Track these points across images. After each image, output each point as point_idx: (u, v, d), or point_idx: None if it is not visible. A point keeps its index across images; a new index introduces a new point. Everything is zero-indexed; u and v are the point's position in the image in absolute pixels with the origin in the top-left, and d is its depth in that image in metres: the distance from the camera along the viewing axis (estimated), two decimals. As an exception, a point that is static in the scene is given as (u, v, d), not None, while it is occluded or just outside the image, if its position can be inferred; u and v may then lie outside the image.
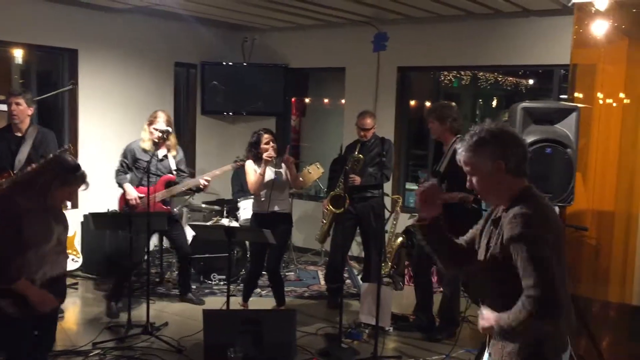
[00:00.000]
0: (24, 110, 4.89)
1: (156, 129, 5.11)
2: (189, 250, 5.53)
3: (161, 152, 5.24)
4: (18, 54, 6.32)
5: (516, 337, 2.18)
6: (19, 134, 4.91)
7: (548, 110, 4.17)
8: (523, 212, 2.10)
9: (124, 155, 5.25)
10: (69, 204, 4.99)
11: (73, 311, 5.37)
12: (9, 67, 6.70)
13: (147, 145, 5.16)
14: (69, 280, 5.87)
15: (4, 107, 5.17)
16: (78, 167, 3.10)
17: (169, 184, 5.26)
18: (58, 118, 6.60)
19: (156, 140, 5.12)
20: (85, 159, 5.98)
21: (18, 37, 6.05)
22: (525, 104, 4.09)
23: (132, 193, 5.13)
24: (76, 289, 5.90)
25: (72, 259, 6.14)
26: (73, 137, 6.45)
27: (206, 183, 5.29)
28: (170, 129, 5.14)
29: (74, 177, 3.06)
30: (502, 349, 2.26)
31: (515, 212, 2.12)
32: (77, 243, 6.21)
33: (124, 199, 5.21)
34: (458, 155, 2.36)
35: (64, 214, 3.20)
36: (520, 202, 2.16)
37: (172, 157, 5.31)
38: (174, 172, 5.28)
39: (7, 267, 2.89)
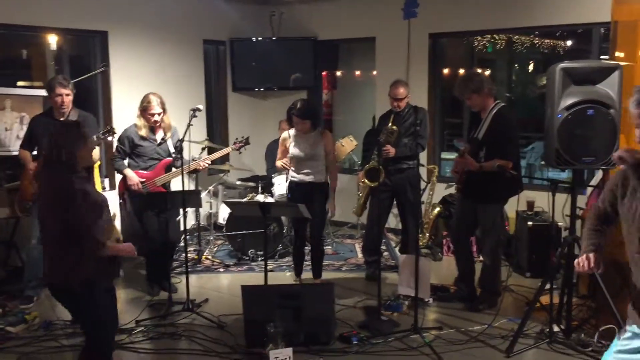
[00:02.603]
0: (71, 98, 4.95)
1: (153, 114, 5.02)
2: (179, 238, 5.39)
3: (159, 136, 5.17)
4: (51, 40, 6.36)
5: None
6: (62, 119, 4.91)
7: (589, 69, 4.00)
8: None
9: (121, 141, 5.15)
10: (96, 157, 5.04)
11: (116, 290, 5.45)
12: (43, 52, 6.76)
13: (144, 132, 5.08)
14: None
15: (41, 93, 5.23)
16: (75, 122, 3.31)
17: (169, 168, 5.19)
18: (92, 101, 6.65)
19: (153, 126, 5.08)
20: (120, 141, 6.02)
21: (48, 22, 6.08)
22: (565, 64, 3.94)
23: (134, 178, 5.04)
24: (117, 268, 6.01)
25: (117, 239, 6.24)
26: (107, 119, 6.50)
27: (206, 165, 5.30)
28: (162, 111, 5.08)
29: (82, 129, 3.18)
30: None
31: None
32: (117, 224, 6.30)
33: (124, 185, 5.15)
34: (630, 107, 2.31)
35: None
36: None
37: (169, 139, 5.21)
38: (172, 155, 5.16)
39: (96, 235, 3.01)
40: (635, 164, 2.35)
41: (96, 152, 4.95)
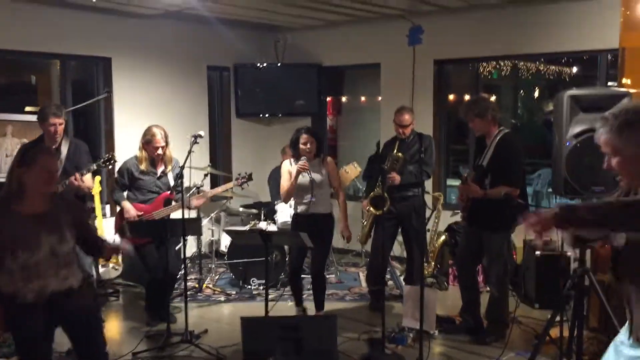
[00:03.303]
0: (63, 127, 4.85)
1: (157, 147, 4.92)
2: (178, 268, 5.20)
3: (160, 169, 5.07)
4: (55, 65, 6.38)
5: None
6: (53, 147, 4.77)
7: (597, 97, 3.93)
8: None
9: (120, 173, 5.07)
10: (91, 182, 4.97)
11: (114, 320, 5.36)
12: (49, 78, 6.77)
13: (144, 165, 4.98)
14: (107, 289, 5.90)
15: (32, 118, 5.16)
16: (32, 146, 3.10)
17: (168, 202, 5.07)
18: (94, 127, 6.63)
19: (156, 159, 4.99)
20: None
21: (53, 48, 6.10)
22: (573, 91, 3.87)
23: (131, 211, 4.93)
24: (117, 297, 5.90)
25: (113, 267, 6.15)
26: (109, 145, 6.47)
27: (204, 201, 5.19)
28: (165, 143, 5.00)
29: (29, 153, 2.99)
30: None
31: None
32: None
33: (121, 217, 5.03)
34: (596, 135, 2.24)
35: (61, 225, 3.03)
36: None
37: (170, 172, 5.11)
38: (172, 188, 5.05)
39: None
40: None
41: (88, 179, 4.84)
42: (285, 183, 4.94)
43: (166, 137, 4.99)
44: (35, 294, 2.93)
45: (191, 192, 5.16)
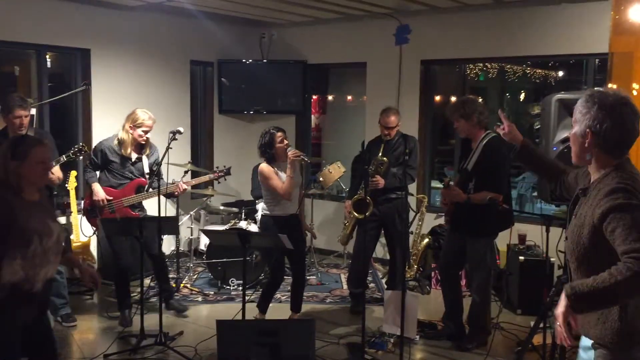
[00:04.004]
0: (29, 119, 4.67)
1: (146, 131, 4.84)
2: (158, 252, 5.07)
3: (134, 154, 4.98)
4: (36, 56, 6.18)
5: (602, 302, 2.08)
6: None
7: (586, 101, 3.86)
8: (620, 187, 2.05)
9: (95, 153, 4.98)
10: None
11: (88, 319, 5.19)
12: (29, 69, 6.56)
13: (129, 150, 4.87)
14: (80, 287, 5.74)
15: None
16: (23, 137, 2.99)
17: (140, 189, 4.96)
18: (71, 119, 6.46)
19: (143, 142, 4.88)
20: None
21: (30, 38, 5.91)
22: (561, 95, 3.80)
23: (100, 194, 4.85)
24: (91, 296, 5.73)
25: (88, 265, 5.98)
26: (86, 139, 6.28)
27: (184, 189, 5.04)
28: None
29: (22, 145, 2.85)
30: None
31: (612, 187, 2.06)
32: (93, 249, 6.04)
33: (90, 199, 4.94)
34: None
35: (55, 213, 3.08)
36: (613, 177, 2.10)
37: (145, 158, 5.02)
38: (147, 176, 4.97)
39: None
40: None
41: (57, 170, 4.68)
42: (279, 183, 4.68)
43: (154, 120, 4.92)
44: (41, 282, 2.84)
45: (167, 185, 5.01)
